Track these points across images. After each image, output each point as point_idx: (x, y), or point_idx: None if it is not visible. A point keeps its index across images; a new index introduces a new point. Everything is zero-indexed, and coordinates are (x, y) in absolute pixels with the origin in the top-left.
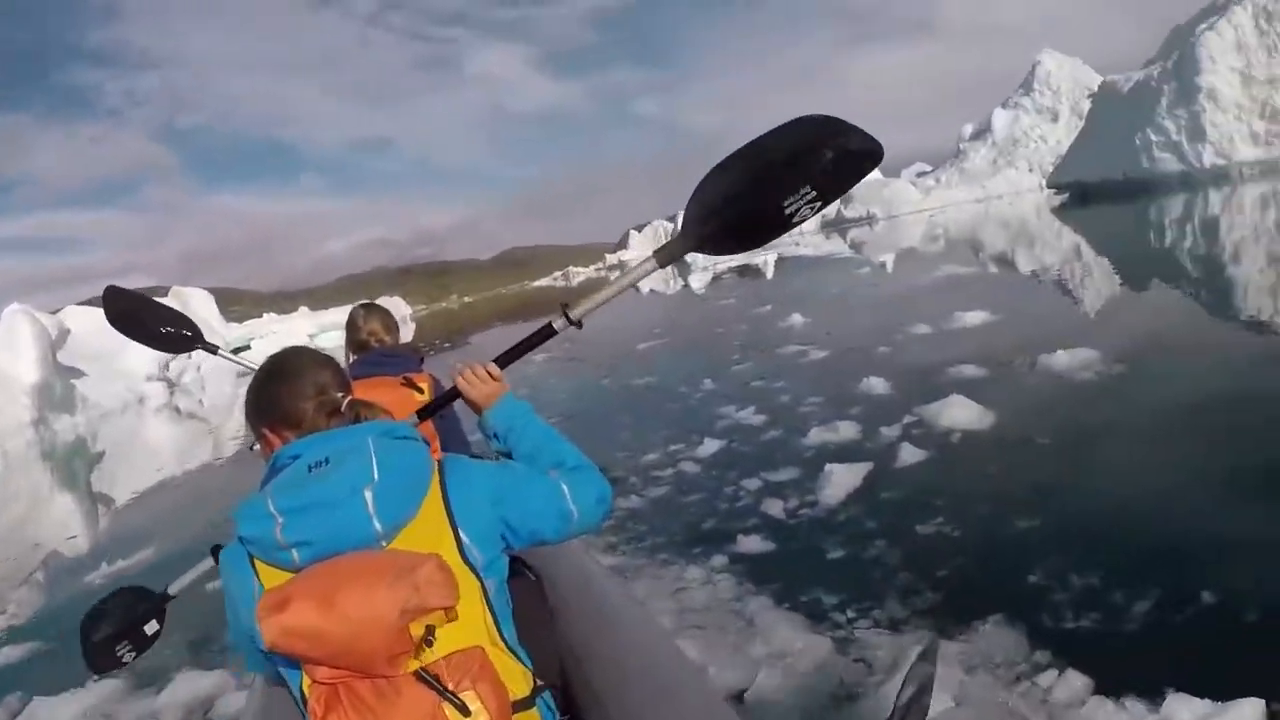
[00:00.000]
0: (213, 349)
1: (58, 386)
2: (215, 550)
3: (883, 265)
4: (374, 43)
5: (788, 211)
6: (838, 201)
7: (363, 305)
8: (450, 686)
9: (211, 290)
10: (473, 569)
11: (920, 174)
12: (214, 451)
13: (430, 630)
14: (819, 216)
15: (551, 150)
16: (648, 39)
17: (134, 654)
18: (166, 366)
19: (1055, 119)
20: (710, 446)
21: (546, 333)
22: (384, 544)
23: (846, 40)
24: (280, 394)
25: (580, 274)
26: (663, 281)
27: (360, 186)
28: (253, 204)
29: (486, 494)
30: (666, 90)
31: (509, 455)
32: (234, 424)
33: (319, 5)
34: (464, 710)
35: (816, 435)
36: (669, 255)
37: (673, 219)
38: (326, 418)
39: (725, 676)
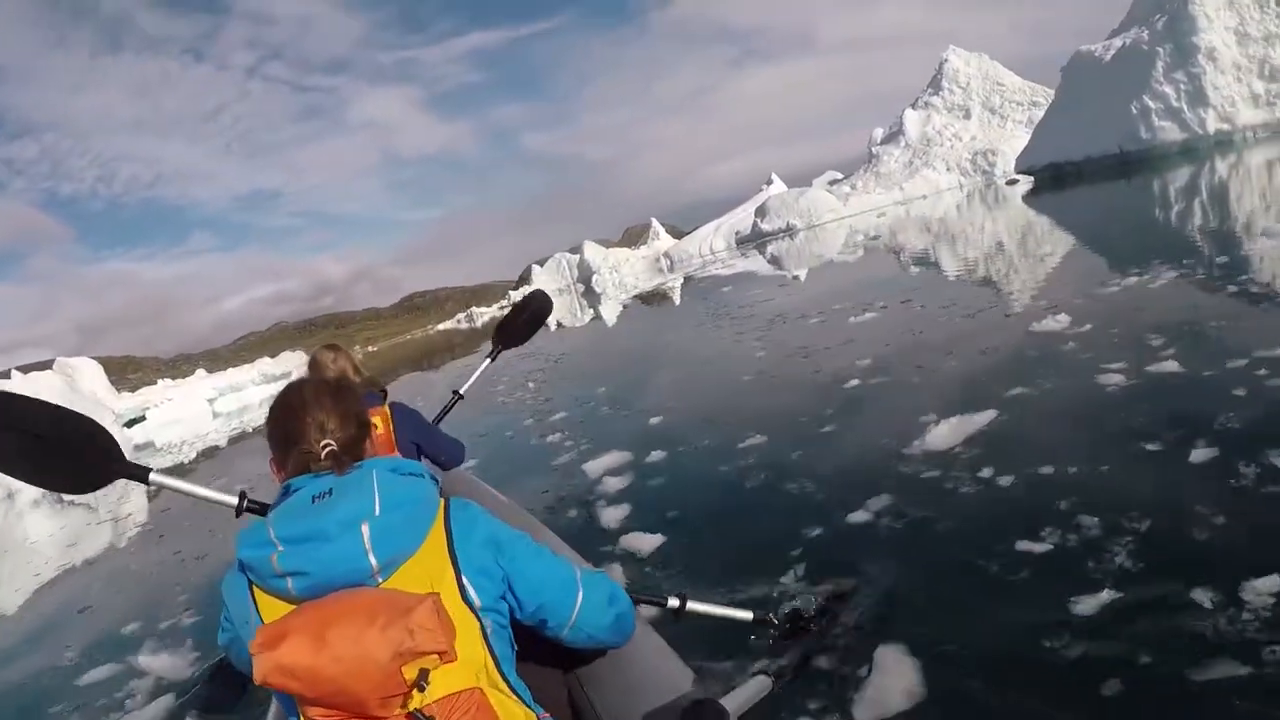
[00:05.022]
0: (142, 474)
1: None
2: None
3: (796, 279)
4: (254, 95)
5: None
6: (752, 215)
7: (328, 347)
8: None
9: (109, 359)
10: (472, 609)
11: (833, 181)
12: (112, 539)
13: (424, 674)
14: (732, 234)
15: (445, 191)
16: (531, 73)
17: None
18: None
19: (967, 115)
20: None
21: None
22: (380, 579)
23: (730, 62)
24: (276, 434)
25: (484, 313)
26: (571, 315)
27: (252, 241)
28: (144, 268)
29: (489, 539)
30: (555, 123)
31: None
32: (133, 506)
33: (193, 61)
34: None
35: None
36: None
37: (575, 249)
38: (311, 463)
39: None
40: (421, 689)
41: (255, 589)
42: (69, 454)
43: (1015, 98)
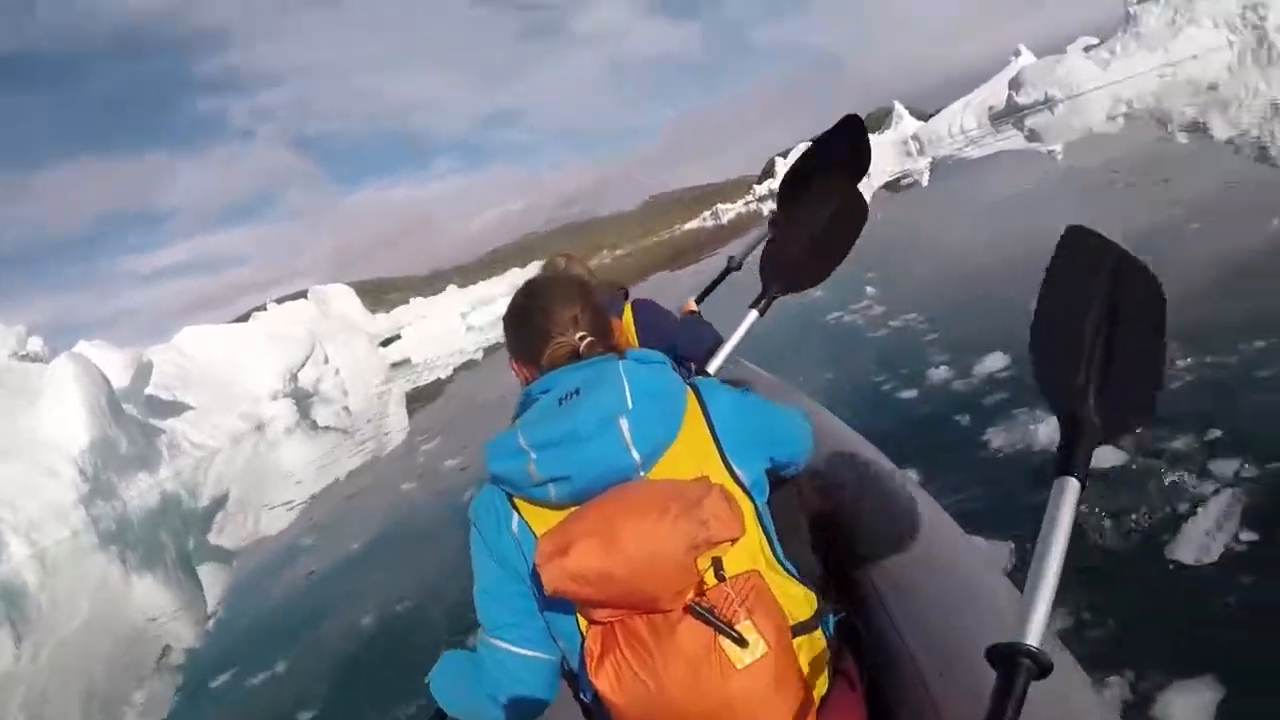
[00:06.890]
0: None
1: (123, 442)
2: None
3: (1051, 154)
4: (481, 21)
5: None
6: (1005, 89)
7: (559, 255)
8: (725, 618)
9: (366, 282)
10: (743, 489)
11: (1088, 47)
12: (375, 455)
13: (718, 563)
14: (984, 110)
15: (678, 92)
16: None
17: None
18: (295, 378)
19: None
20: None
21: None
22: (643, 473)
23: None
24: (521, 332)
25: (729, 210)
26: None
27: (496, 160)
28: (393, 195)
29: (743, 412)
30: (783, 14)
31: None
32: (393, 424)
33: None
34: (741, 642)
35: None
36: None
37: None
38: (568, 356)
39: None
40: (721, 578)
41: (517, 501)
42: None
43: None
